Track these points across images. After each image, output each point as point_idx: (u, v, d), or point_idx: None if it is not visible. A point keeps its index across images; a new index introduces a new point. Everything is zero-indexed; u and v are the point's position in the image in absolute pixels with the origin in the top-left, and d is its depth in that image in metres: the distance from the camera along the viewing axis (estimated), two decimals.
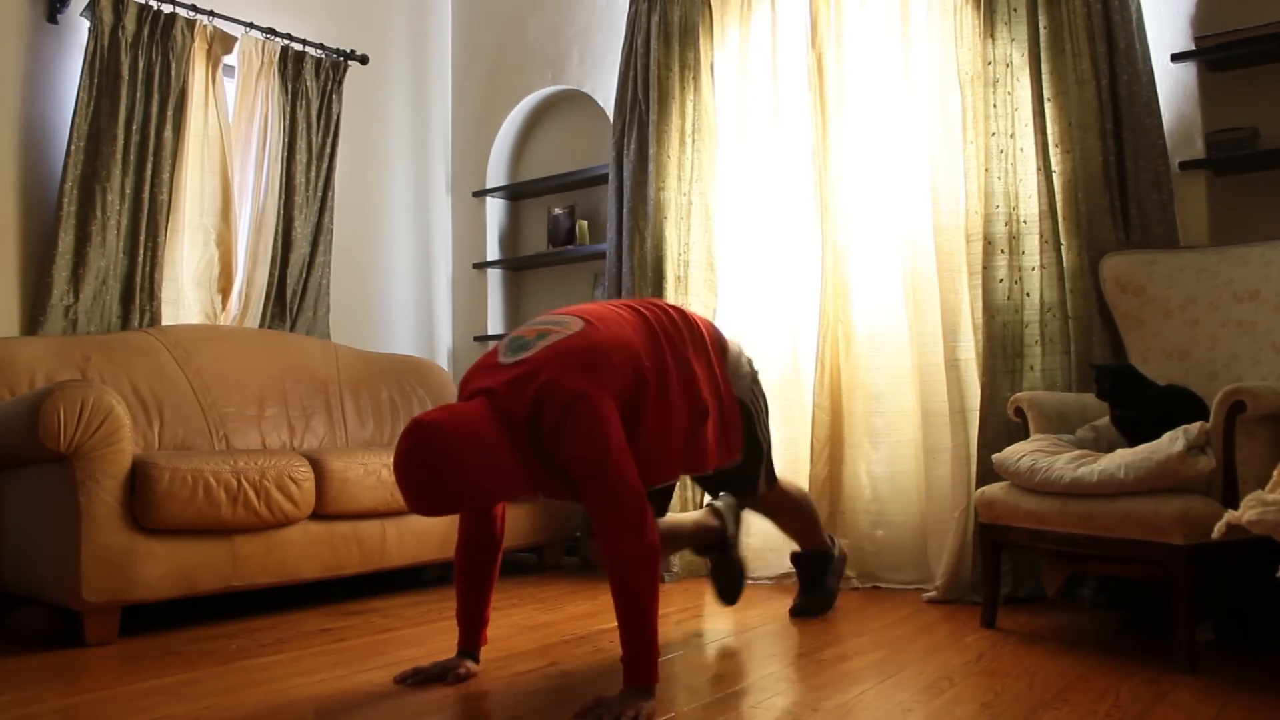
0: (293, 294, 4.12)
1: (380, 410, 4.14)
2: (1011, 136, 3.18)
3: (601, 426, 2.04)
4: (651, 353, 2.26)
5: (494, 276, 4.87)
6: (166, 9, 3.74)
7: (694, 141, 3.87)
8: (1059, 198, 3.10)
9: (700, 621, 2.98)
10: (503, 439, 2.00)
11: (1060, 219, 3.10)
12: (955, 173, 3.28)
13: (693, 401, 2.34)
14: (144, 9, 3.67)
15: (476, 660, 2.35)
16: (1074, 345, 3.08)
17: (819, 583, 2.99)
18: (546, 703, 2.08)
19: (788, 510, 2.92)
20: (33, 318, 3.44)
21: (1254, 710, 1.96)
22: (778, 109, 3.74)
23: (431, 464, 1.92)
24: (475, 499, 2.00)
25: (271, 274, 4.06)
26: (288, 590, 3.21)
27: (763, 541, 3.55)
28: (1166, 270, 2.90)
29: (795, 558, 3.04)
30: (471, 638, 2.36)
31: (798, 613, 2.95)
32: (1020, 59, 3.18)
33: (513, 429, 2.03)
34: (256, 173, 4.06)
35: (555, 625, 2.87)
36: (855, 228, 3.53)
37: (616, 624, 2.03)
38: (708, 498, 3.02)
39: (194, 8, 3.81)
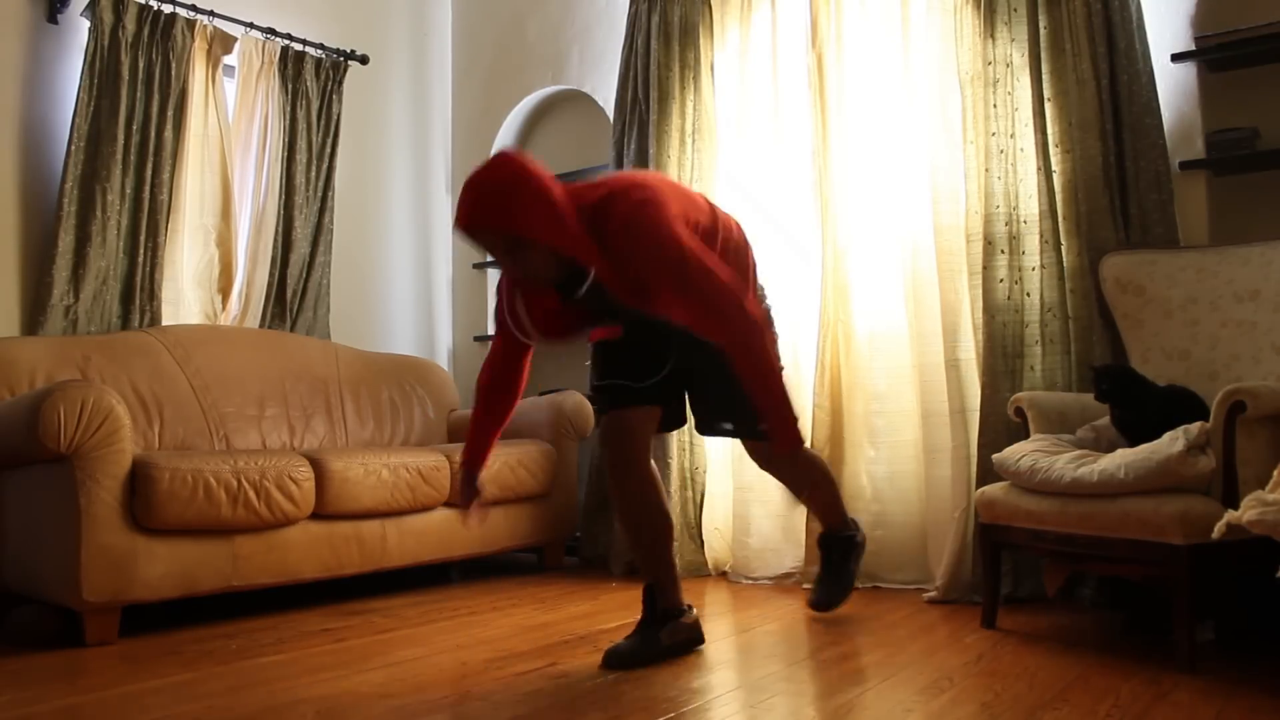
0: (293, 294, 4.12)
1: (380, 410, 4.14)
2: (1011, 136, 3.18)
3: (670, 225, 2.10)
4: (724, 221, 2.43)
5: (494, 277, 4.87)
6: (166, 9, 3.74)
7: (694, 141, 3.87)
8: (1059, 198, 3.10)
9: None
10: (570, 203, 2.16)
11: (1060, 219, 3.10)
12: (955, 173, 3.28)
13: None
14: (144, 9, 3.67)
15: (476, 479, 2.55)
16: (1074, 345, 3.08)
17: (843, 568, 2.88)
18: (546, 703, 2.08)
19: (814, 476, 2.75)
20: (33, 318, 3.44)
21: (1254, 710, 1.96)
22: (778, 109, 3.74)
23: (503, 172, 2.14)
24: (527, 218, 2.09)
25: (271, 274, 4.06)
26: (288, 590, 3.21)
27: (762, 541, 3.56)
28: (1166, 270, 2.90)
29: (822, 539, 2.92)
30: (475, 460, 2.55)
31: (820, 605, 2.84)
32: (1020, 59, 3.18)
33: (576, 208, 2.17)
34: (256, 173, 4.06)
35: (555, 625, 2.87)
36: (855, 228, 3.53)
37: (757, 402, 2.26)
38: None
39: (194, 8, 3.81)
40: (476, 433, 2.58)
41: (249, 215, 4.04)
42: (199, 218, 3.86)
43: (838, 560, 2.91)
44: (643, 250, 2.11)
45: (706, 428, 2.69)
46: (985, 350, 3.14)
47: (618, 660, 2.35)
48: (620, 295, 2.25)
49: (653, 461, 2.56)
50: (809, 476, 2.75)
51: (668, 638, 2.44)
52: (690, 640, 2.52)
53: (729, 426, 2.62)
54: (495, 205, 2.09)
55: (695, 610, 2.56)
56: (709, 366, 2.42)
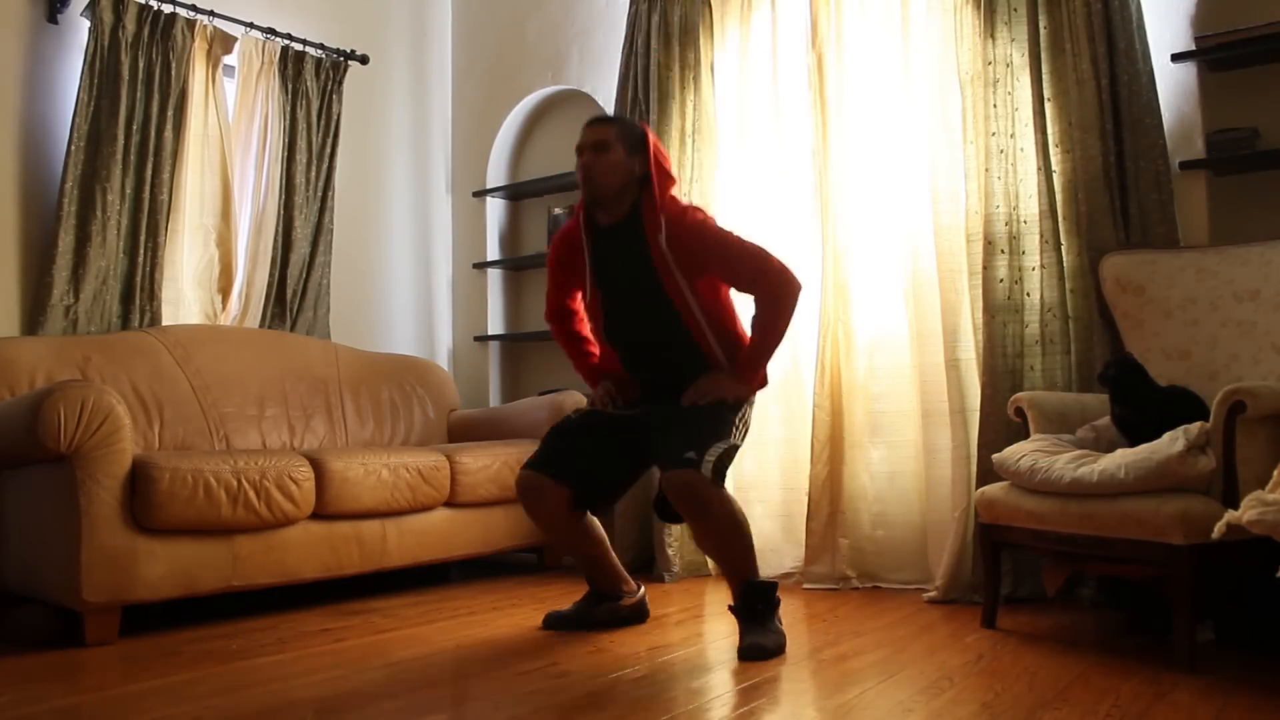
0: (293, 294, 4.12)
1: (380, 410, 4.14)
2: (1011, 136, 3.18)
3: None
4: None
5: (494, 276, 4.87)
6: (166, 9, 3.74)
7: (694, 141, 3.87)
8: (1059, 198, 3.10)
9: (700, 622, 2.98)
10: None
11: (1060, 219, 3.10)
12: (955, 173, 3.28)
13: None
14: (144, 9, 3.67)
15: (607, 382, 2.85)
16: (1074, 345, 3.08)
17: (769, 619, 2.53)
18: (546, 703, 2.08)
19: (726, 539, 2.54)
20: (33, 318, 3.44)
21: (1254, 710, 1.96)
22: (778, 109, 3.74)
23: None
24: (644, 137, 2.70)
25: (271, 274, 4.06)
26: (288, 590, 3.20)
27: (762, 541, 3.52)
28: (1166, 270, 2.90)
29: (743, 588, 2.55)
30: (594, 376, 2.91)
31: (750, 650, 2.44)
32: (1020, 59, 3.19)
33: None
34: (256, 173, 4.06)
35: None
36: (855, 228, 3.53)
37: (753, 339, 2.65)
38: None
39: (194, 8, 3.81)
40: (578, 359, 2.97)
41: (249, 215, 4.03)
42: (199, 218, 3.86)
43: (763, 610, 2.53)
44: (718, 235, 2.67)
45: (665, 462, 2.53)
46: (985, 350, 3.14)
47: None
48: (654, 248, 2.62)
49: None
50: (733, 536, 2.55)
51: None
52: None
53: (692, 455, 2.46)
54: (630, 123, 2.81)
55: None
56: (674, 417, 2.62)
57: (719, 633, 2.78)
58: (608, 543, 2.88)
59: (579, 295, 2.92)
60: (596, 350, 2.94)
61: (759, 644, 2.44)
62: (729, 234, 2.68)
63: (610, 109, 4.26)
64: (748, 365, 2.64)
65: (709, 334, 2.67)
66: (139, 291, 3.65)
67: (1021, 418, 2.84)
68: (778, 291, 2.62)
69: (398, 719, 2.00)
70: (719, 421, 2.57)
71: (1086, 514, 2.42)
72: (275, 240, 4.07)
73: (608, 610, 2.85)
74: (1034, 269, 3.15)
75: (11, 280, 3.45)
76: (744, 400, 2.66)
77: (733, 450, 2.57)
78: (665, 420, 2.63)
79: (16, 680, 2.34)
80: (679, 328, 2.66)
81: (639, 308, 2.71)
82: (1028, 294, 3.16)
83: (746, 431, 2.68)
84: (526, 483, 2.75)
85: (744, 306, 2.79)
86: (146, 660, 2.53)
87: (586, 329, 2.96)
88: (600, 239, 2.73)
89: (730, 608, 2.59)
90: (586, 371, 2.96)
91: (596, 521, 2.85)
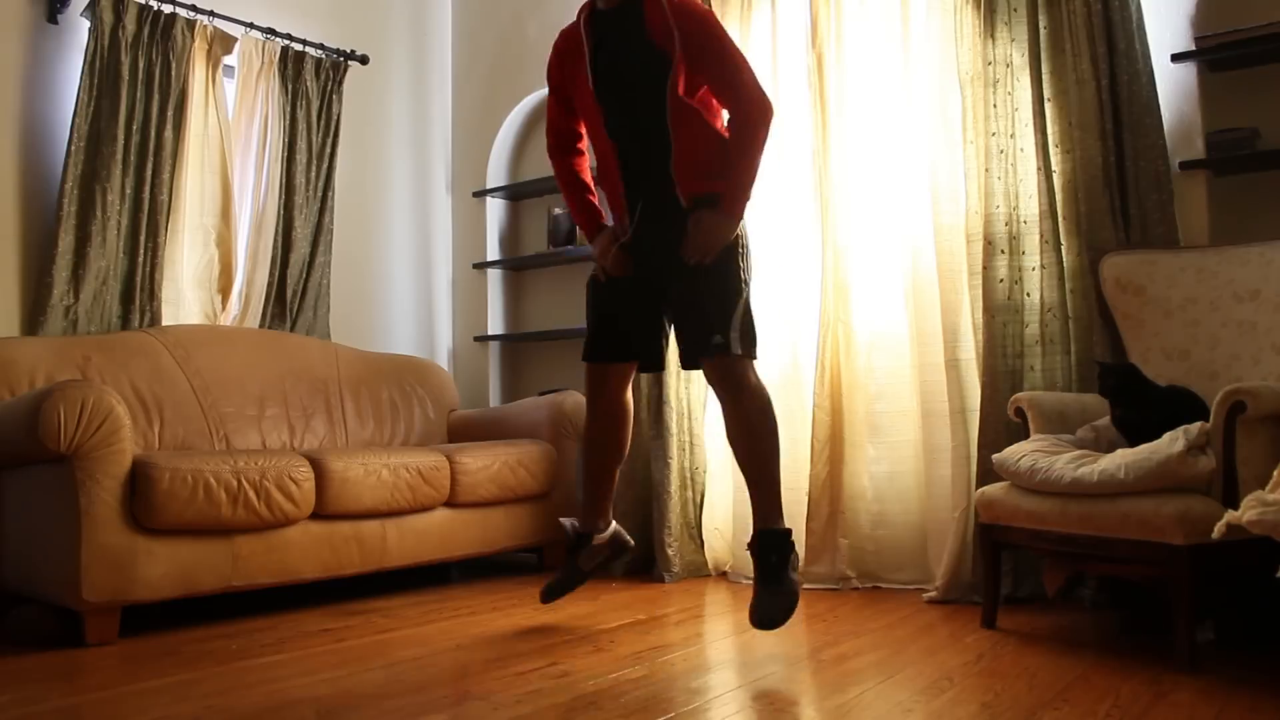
0: (293, 294, 4.12)
1: (380, 410, 4.14)
2: (1011, 136, 3.18)
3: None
4: None
5: (494, 276, 4.87)
6: (166, 9, 3.74)
7: None
8: (1059, 198, 3.10)
9: (700, 622, 2.98)
10: None
11: (1060, 219, 3.10)
12: (955, 173, 3.28)
13: None
14: (144, 9, 3.67)
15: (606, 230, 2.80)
16: (1074, 345, 3.08)
17: (783, 575, 2.52)
18: (546, 703, 2.08)
19: (755, 427, 2.59)
20: (33, 318, 3.44)
21: (1254, 710, 1.96)
22: (778, 109, 3.72)
23: None
24: None
25: (271, 274, 4.06)
26: (288, 590, 3.21)
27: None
28: (1166, 270, 2.90)
29: (759, 537, 2.57)
30: (594, 220, 2.85)
31: (764, 622, 2.45)
32: (1020, 59, 3.19)
33: None
34: (256, 173, 4.06)
35: (555, 625, 2.87)
36: (855, 228, 3.53)
37: (732, 169, 2.56)
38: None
39: (194, 8, 3.81)
40: (577, 206, 2.90)
41: (249, 215, 4.04)
42: (199, 218, 3.86)
43: (777, 564, 2.53)
44: (715, 29, 2.58)
45: (697, 350, 2.64)
46: (985, 350, 3.14)
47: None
48: (655, 33, 2.55)
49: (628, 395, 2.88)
50: (762, 425, 2.60)
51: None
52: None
53: (720, 339, 2.55)
54: None
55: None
56: (687, 285, 2.61)
57: (719, 633, 2.78)
58: (620, 466, 2.96)
59: (583, 127, 2.86)
60: (596, 199, 2.91)
61: (769, 616, 2.45)
62: (728, 36, 2.62)
63: None
64: (732, 197, 2.56)
65: (693, 123, 2.60)
66: (139, 291, 3.65)
67: (1021, 418, 2.84)
68: (751, 111, 2.56)
69: (398, 719, 2.00)
70: (728, 275, 2.60)
71: (1086, 514, 2.42)
72: (275, 240, 4.07)
73: (588, 556, 2.90)
74: (1034, 269, 3.15)
75: (11, 280, 3.46)
76: (740, 235, 2.64)
77: (749, 299, 2.63)
78: (678, 291, 2.65)
79: (16, 680, 2.34)
80: (668, 108, 2.59)
81: (633, 91, 2.65)
82: (1028, 294, 3.16)
83: (750, 255, 2.68)
84: (593, 371, 2.84)
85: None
86: (146, 660, 2.53)
87: (588, 173, 2.93)
88: (600, 23, 2.70)
89: (748, 546, 2.60)
90: (584, 220, 2.90)
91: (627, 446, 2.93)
